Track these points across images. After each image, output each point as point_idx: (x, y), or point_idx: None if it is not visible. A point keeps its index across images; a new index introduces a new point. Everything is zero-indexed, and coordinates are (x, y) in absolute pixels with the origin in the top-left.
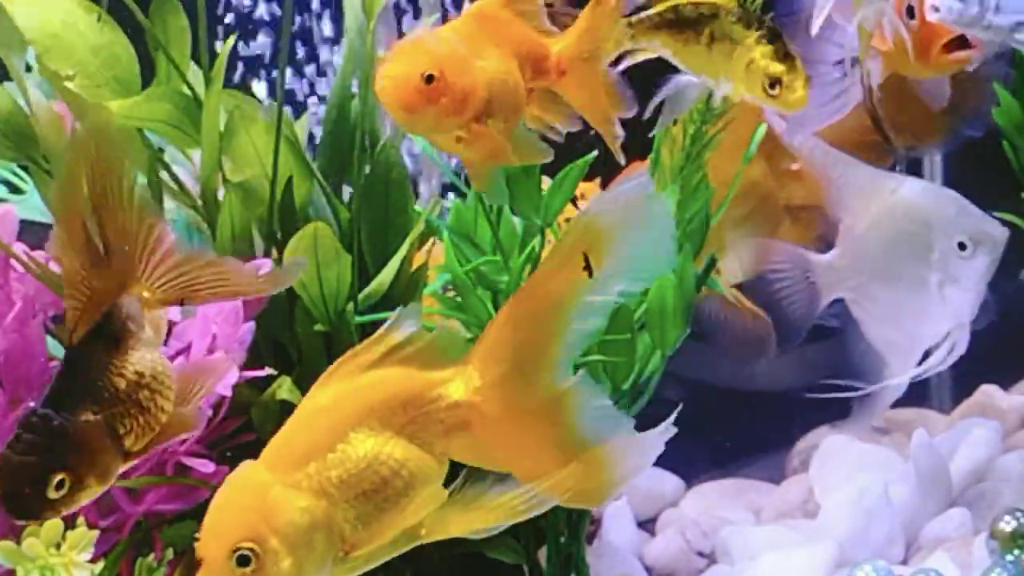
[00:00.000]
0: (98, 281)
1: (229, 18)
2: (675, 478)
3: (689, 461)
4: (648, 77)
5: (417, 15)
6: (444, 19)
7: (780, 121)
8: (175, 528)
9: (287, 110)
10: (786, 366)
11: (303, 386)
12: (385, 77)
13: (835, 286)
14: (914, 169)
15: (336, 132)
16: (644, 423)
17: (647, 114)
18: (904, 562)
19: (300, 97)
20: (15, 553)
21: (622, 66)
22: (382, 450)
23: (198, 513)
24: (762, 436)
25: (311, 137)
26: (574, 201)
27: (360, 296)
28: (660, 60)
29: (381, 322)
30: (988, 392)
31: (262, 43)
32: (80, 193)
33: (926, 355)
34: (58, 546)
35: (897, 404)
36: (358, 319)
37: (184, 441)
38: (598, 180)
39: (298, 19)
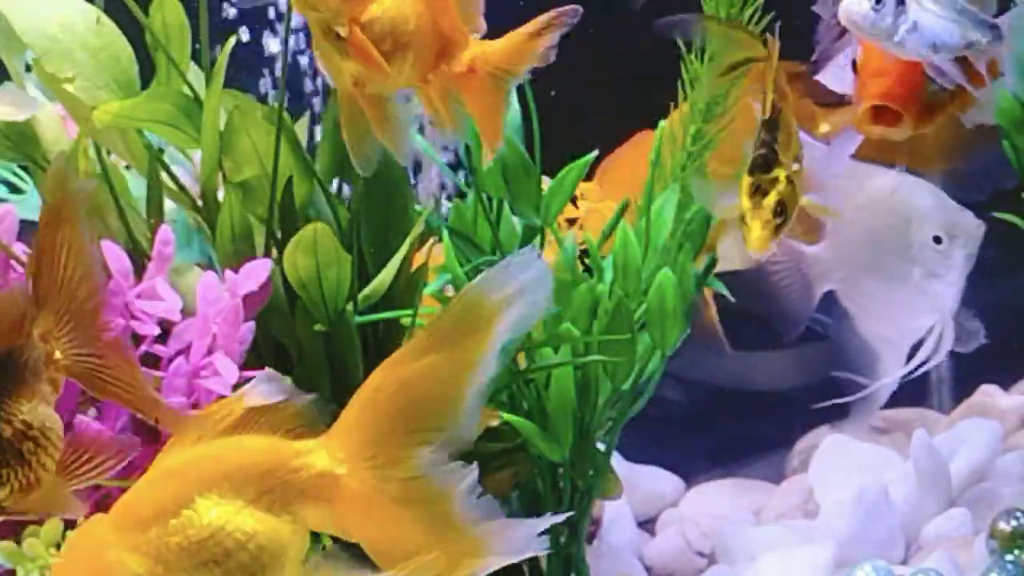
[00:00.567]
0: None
1: None
2: (675, 478)
3: (689, 461)
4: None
5: None
6: None
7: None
8: None
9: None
10: (785, 366)
11: (303, 386)
12: None
13: (825, 277)
14: None
15: (336, 132)
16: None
17: None
18: (904, 562)
19: None
20: (15, 553)
21: None
22: (230, 520)
23: None
24: (762, 436)
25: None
26: (573, 201)
27: (360, 296)
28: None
29: (381, 322)
30: (988, 392)
31: None
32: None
33: (915, 349)
34: (58, 546)
35: (897, 404)
36: (358, 319)
37: None
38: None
39: None
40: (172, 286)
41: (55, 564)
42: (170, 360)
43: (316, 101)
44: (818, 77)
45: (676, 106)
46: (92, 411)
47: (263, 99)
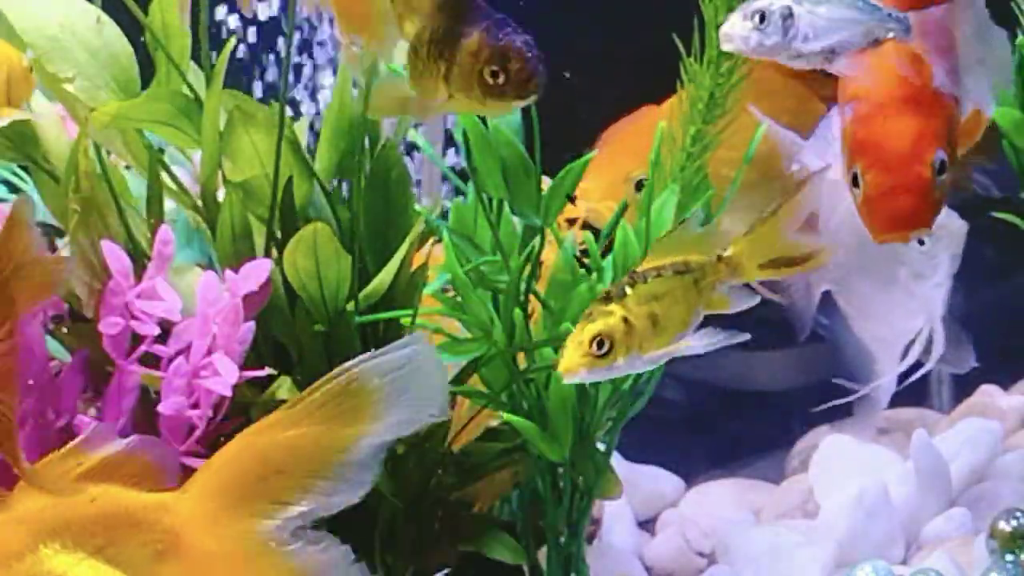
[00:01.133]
0: None
1: None
2: (675, 478)
3: (689, 461)
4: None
5: None
6: None
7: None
8: None
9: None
10: (785, 366)
11: (303, 386)
12: None
13: (822, 277)
14: None
15: (336, 132)
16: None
17: None
18: (904, 562)
19: None
20: None
21: None
22: (70, 569)
23: None
24: (762, 436)
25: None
26: (573, 200)
27: (360, 296)
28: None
29: (381, 322)
30: (988, 392)
31: None
32: None
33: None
34: None
35: (897, 404)
36: (358, 319)
37: (185, 440)
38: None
39: None
40: (172, 286)
41: None
42: (170, 360)
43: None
44: (831, 68)
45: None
46: (92, 411)
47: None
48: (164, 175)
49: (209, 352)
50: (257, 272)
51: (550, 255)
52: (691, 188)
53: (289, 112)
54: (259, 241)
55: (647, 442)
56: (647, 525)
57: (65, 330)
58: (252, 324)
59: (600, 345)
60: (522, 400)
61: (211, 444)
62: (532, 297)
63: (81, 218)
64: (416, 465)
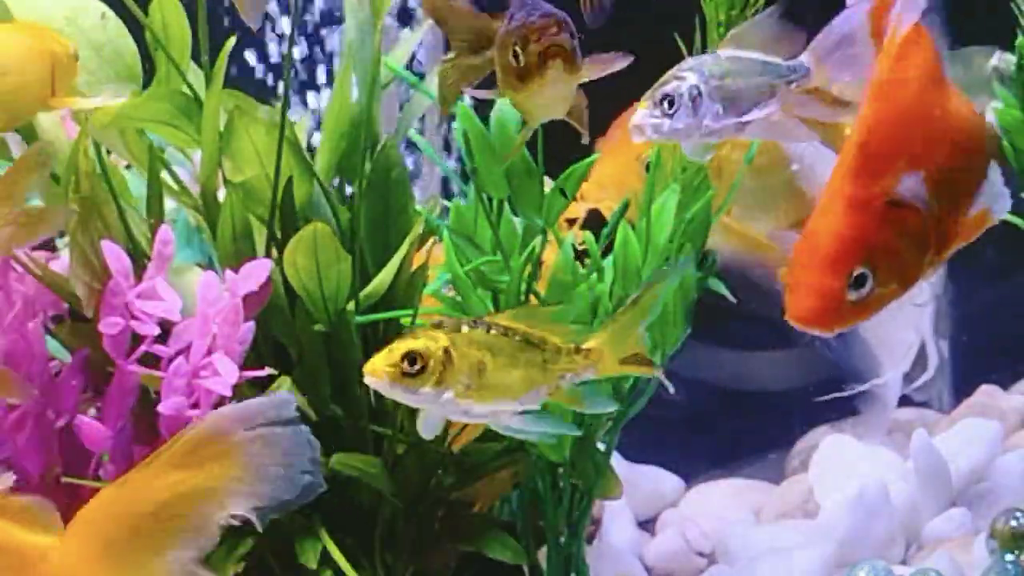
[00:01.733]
0: None
1: None
2: (675, 478)
3: (689, 461)
4: None
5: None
6: None
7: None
8: None
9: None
10: (785, 365)
11: (303, 386)
12: None
13: None
14: None
15: (336, 132)
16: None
17: None
18: (904, 562)
19: None
20: None
21: None
22: None
23: None
24: (762, 436)
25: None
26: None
27: (360, 296)
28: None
29: (381, 322)
30: (988, 392)
31: None
32: None
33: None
34: None
35: (897, 404)
36: (358, 319)
37: None
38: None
39: None
40: (172, 286)
41: None
42: (170, 360)
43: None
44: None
45: None
46: (92, 411)
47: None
48: (164, 175)
49: (209, 352)
50: (257, 272)
51: (550, 255)
52: (691, 188)
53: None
54: (259, 241)
55: (647, 442)
56: (647, 525)
57: (65, 330)
58: (252, 324)
59: (412, 362)
60: None
61: None
62: (532, 297)
63: (81, 218)
64: (416, 465)
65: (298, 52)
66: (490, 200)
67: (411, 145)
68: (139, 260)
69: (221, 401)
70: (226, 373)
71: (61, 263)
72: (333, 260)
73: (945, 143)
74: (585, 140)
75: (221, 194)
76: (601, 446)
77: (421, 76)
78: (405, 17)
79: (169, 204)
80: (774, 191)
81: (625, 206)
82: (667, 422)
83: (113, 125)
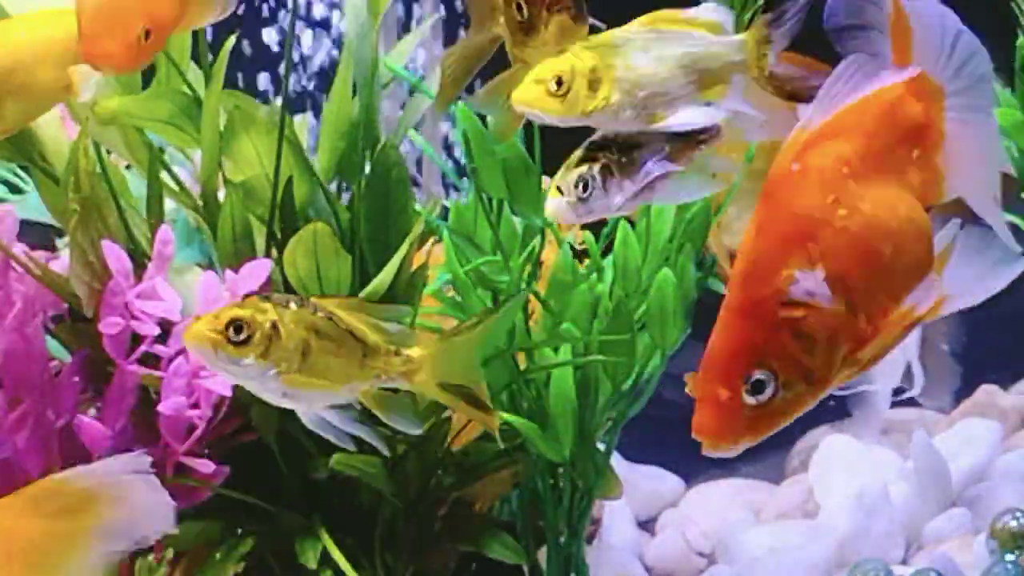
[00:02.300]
0: None
1: None
2: (675, 478)
3: (689, 461)
4: None
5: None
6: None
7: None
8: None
9: None
10: None
11: None
12: None
13: None
14: None
15: (336, 132)
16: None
17: None
18: (904, 562)
19: None
20: None
21: None
22: None
23: (198, 513)
24: None
25: None
26: None
27: (360, 296)
28: None
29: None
30: (988, 392)
31: None
32: None
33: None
34: None
35: (897, 404)
36: None
37: (185, 440)
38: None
39: None
40: (172, 286)
41: None
42: (170, 360)
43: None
44: None
45: None
46: (92, 411)
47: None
48: (164, 175)
49: None
50: (257, 272)
51: (550, 255)
52: None
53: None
54: (259, 241)
55: (647, 442)
56: (647, 525)
57: (65, 330)
58: None
59: (238, 330)
60: (522, 400)
61: (211, 444)
62: (532, 297)
63: (81, 218)
64: (416, 465)
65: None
66: (490, 200)
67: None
68: (139, 260)
69: (221, 401)
70: None
71: (61, 263)
72: (333, 260)
73: (857, 240)
74: None
75: (221, 194)
76: (601, 446)
77: (422, 77)
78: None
79: (169, 204)
80: None
81: None
82: (667, 422)
83: (113, 124)
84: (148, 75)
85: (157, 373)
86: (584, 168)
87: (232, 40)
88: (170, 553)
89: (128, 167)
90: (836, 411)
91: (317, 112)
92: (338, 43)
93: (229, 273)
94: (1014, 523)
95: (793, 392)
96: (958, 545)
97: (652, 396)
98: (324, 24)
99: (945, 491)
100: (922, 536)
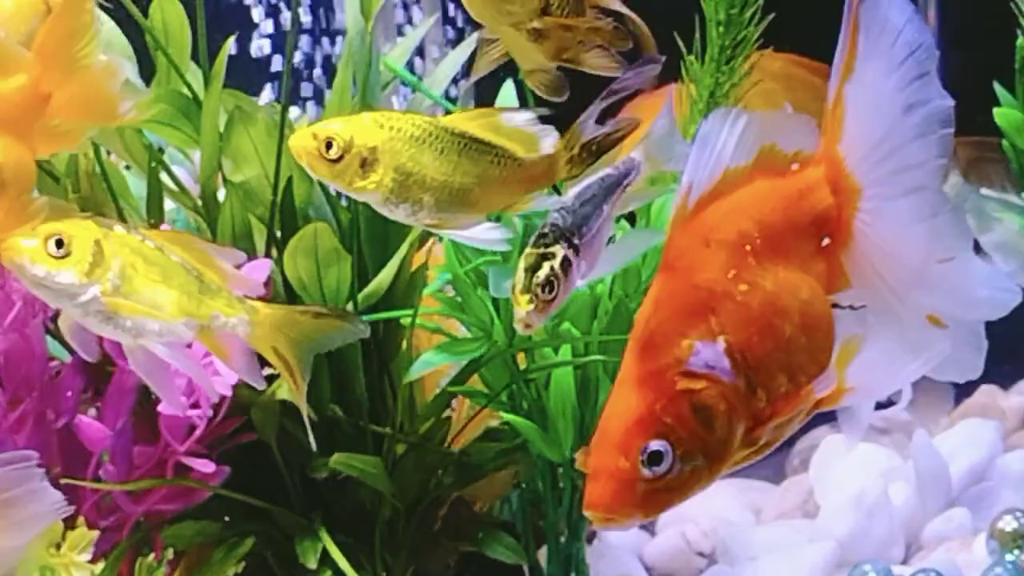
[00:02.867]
0: None
1: None
2: None
3: None
4: None
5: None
6: (444, 17)
7: None
8: (175, 528)
9: None
10: None
11: None
12: None
13: None
14: None
15: None
16: None
17: None
18: (904, 562)
19: None
20: None
21: None
22: None
23: (198, 513)
24: None
25: None
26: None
27: (360, 296)
28: None
29: (381, 322)
30: (988, 392)
31: None
32: None
33: None
34: (58, 546)
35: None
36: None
37: (185, 440)
38: None
39: None
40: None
41: None
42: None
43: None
44: None
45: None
46: (92, 411)
47: None
48: (164, 175)
49: (209, 352)
50: (257, 272)
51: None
52: None
53: None
54: (259, 241)
55: None
56: (647, 525)
57: None
58: None
59: (58, 244)
60: (522, 400)
61: (211, 444)
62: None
63: None
64: (416, 465)
65: None
66: None
67: None
68: None
69: (221, 401)
70: (226, 373)
71: None
72: (333, 260)
73: (758, 317)
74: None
75: (221, 194)
76: None
77: (420, 77)
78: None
79: (169, 204)
80: None
81: None
82: None
83: (113, 125)
84: (148, 75)
85: None
86: (547, 270)
87: (231, 40)
88: (170, 553)
89: (128, 167)
90: (835, 412)
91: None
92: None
93: None
94: (1014, 523)
95: (690, 466)
96: (958, 545)
97: None
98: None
99: (945, 491)
100: (922, 536)
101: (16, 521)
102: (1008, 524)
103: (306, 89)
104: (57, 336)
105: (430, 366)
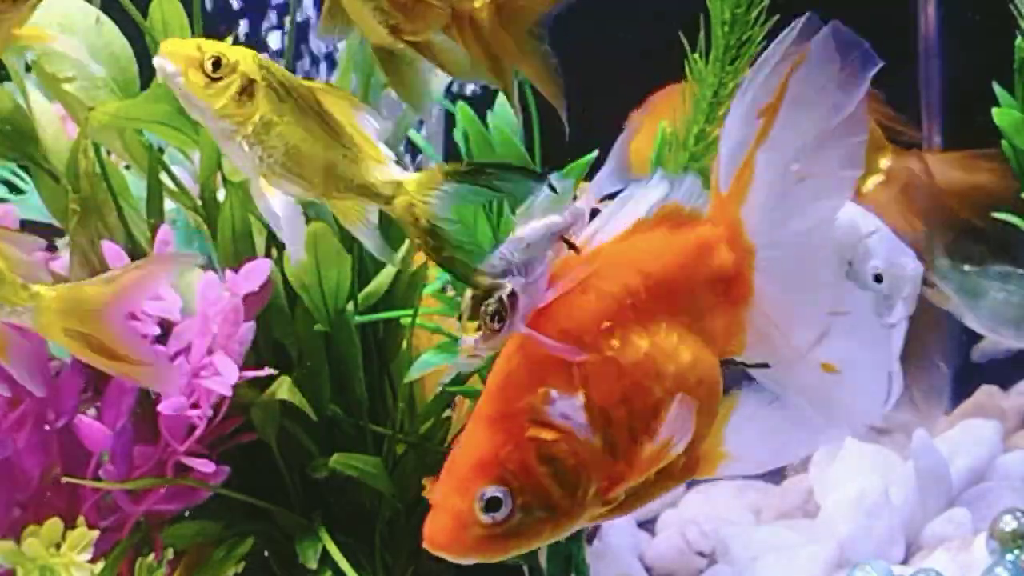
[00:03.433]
0: None
1: None
2: None
3: None
4: None
5: None
6: None
7: None
8: (175, 528)
9: None
10: None
11: (303, 386)
12: None
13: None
14: None
15: None
16: None
17: None
18: (904, 562)
19: None
20: (15, 553)
21: None
22: None
23: (198, 513)
24: None
25: None
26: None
27: (360, 296)
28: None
29: (381, 322)
30: (988, 392)
31: None
32: None
33: None
34: (58, 546)
35: (897, 404)
36: (358, 319)
37: (185, 440)
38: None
39: None
40: (172, 286)
41: None
42: (171, 360)
43: None
44: None
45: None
46: (92, 411)
47: None
48: (164, 175)
49: (209, 352)
50: (257, 272)
51: None
52: None
53: None
54: (259, 241)
55: None
56: (647, 525)
57: None
58: (252, 324)
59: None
60: None
61: (211, 444)
62: None
63: (81, 218)
64: (416, 465)
65: None
66: (490, 200)
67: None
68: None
69: (221, 401)
70: (226, 373)
71: (61, 263)
72: (333, 260)
73: (626, 376)
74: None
75: (221, 194)
76: None
77: None
78: None
79: (169, 204)
80: None
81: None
82: None
83: (113, 125)
84: (148, 75)
85: None
86: (497, 301)
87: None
88: (170, 553)
89: (128, 167)
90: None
91: None
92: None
93: (229, 273)
94: (1014, 523)
95: (532, 518)
96: (958, 545)
97: None
98: None
99: (945, 491)
100: (922, 536)
101: None
102: (1008, 524)
103: None
104: None
105: (430, 366)
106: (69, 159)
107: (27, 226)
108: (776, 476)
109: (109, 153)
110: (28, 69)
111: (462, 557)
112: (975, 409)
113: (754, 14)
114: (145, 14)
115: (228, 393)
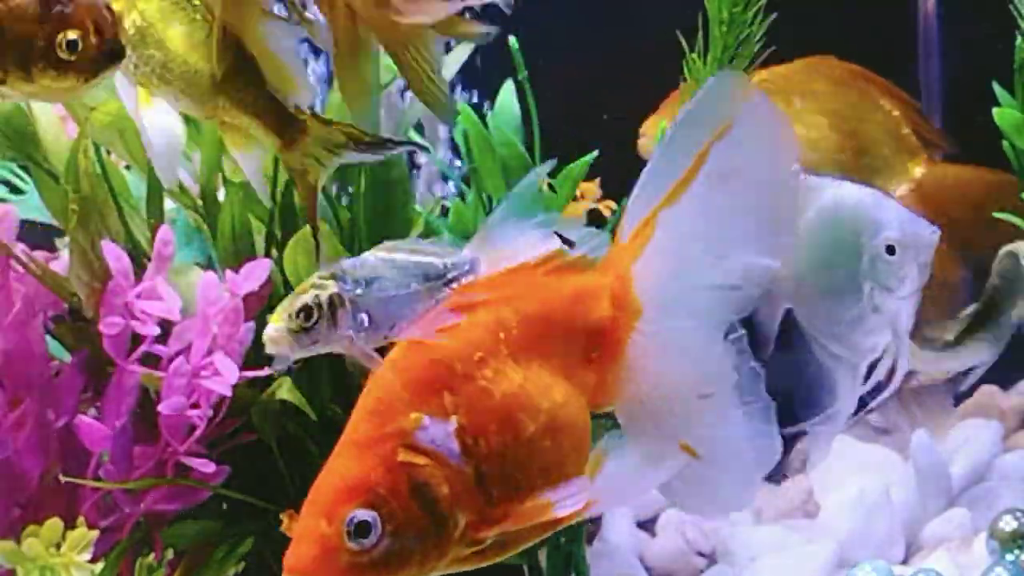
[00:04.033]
0: None
1: None
2: None
3: None
4: None
5: None
6: None
7: None
8: (175, 528)
9: None
10: (786, 366)
11: (303, 386)
12: None
13: (784, 294)
14: None
15: None
16: None
17: None
18: (904, 562)
19: None
20: (15, 553)
21: None
22: None
23: (198, 513)
24: None
25: None
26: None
27: None
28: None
29: None
30: (988, 392)
31: None
32: None
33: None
34: (58, 546)
35: (896, 404)
36: None
37: (185, 440)
38: (597, 180)
39: None
40: (172, 286)
41: None
42: (170, 360)
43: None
44: None
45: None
46: (92, 411)
47: None
48: None
49: (209, 352)
50: (257, 272)
51: None
52: None
53: None
54: (259, 241)
55: None
56: (647, 525)
57: (65, 330)
58: (252, 324)
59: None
60: None
61: (211, 444)
62: None
63: (81, 218)
64: None
65: None
66: (490, 200)
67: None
68: (139, 260)
69: (221, 401)
70: (226, 373)
71: (61, 263)
72: (333, 260)
73: (499, 407)
74: None
75: (221, 194)
76: None
77: None
78: None
79: (169, 204)
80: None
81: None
82: None
83: (113, 125)
84: None
85: (157, 373)
86: (311, 295)
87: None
88: (170, 553)
89: (128, 167)
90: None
91: None
92: None
93: (229, 273)
94: (1014, 523)
95: (399, 546)
96: (958, 545)
97: None
98: None
99: (945, 491)
100: (922, 536)
101: None
102: (1008, 524)
103: None
104: (57, 336)
105: None
106: (69, 159)
107: (27, 226)
108: (776, 476)
109: (109, 153)
110: None
111: None
112: (975, 409)
113: (751, 13)
114: None
115: (228, 393)
